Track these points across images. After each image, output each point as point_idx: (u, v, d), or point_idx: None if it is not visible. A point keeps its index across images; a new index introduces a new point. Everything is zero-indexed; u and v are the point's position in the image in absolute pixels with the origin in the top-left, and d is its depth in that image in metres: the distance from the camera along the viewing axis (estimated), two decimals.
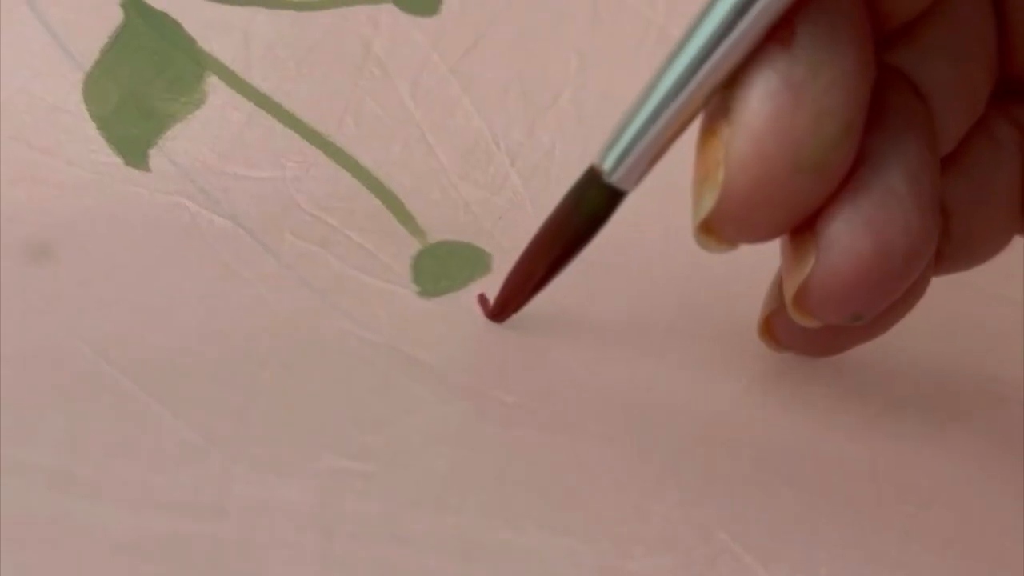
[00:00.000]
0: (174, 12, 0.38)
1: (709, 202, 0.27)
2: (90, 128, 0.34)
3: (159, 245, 0.32)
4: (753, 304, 0.31)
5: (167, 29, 0.37)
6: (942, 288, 0.31)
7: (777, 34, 0.25)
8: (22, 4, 0.37)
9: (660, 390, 0.31)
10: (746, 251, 0.29)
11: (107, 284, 0.31)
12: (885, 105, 0.27)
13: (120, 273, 0.31)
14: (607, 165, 0.28)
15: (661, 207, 0.35)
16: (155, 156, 0.34)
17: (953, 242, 0.30)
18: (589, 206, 0.29)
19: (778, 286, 0.31)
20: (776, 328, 0.32)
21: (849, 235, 0.26)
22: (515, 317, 0.32)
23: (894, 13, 0.28)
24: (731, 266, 0.33)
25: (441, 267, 0.33)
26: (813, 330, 0.30)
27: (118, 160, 0.34)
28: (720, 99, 0.26)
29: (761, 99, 0.25)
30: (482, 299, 0.32)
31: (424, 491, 0.27)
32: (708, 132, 0.27)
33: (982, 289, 0.34)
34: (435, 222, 0.35)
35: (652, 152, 0.28)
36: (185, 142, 0.35)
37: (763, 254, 0.31)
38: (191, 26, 0.37)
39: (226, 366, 0.29)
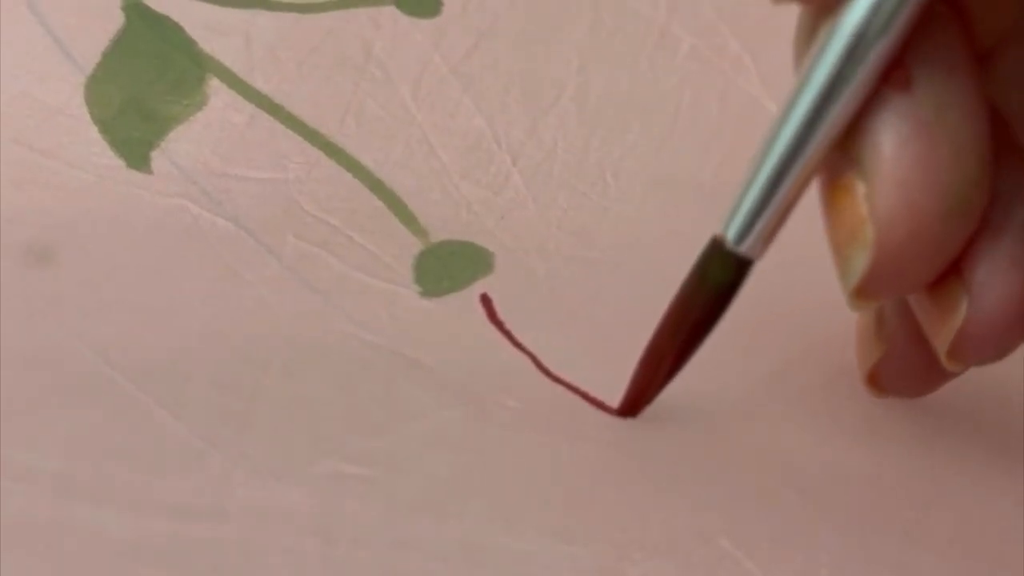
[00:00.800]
0: (175, 15, 0.38)
1: (862, 263, 0.26)
2: (92, 131, 0.34)
3: (161, 247, 0.32)
4: (756, 305, 0.31)
5: (168, 32, 0.37)
6: None
7: (892, 78, 0.25)
8: (23, 7, 0.37)
9: (661, 394, 0.31)
10: None
11: (109, 286, 0.31)
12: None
13: (122, 275, 0.31)
14: (731, 235, 0.27)
15: (664, 208, 0.35)
16: (157, 158, 0.34)
17: None
18: (716, 279, 0.28)
19: (870, 341, 0.31)
20: (882, 378, 0.31)
21: (1000, 276, 0.26)
22: (515, 320, 0.32)
23: (982, 37, 0.27)
24: None
25: (443, 267, 0.33)
26: (919, 373, 0.30)
27: (120, 162, 0.34)
28: (839, 153, 0.26)
29: (897, 146, 0.25)
30: (484, 299, 0.32)
31: (425, 496, 0.27)
32: (837, 189, 0.26)
33: None
34: (437, 222, 0.35)
35: (777, 216, 0.27)
36: (187, 144, 0.35)
37: (770, 256, 0.31)
38: (192, 28, 0.37)
39: (228, 369, 0.29)
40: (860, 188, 0.25)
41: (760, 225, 0.27)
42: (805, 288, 0.32)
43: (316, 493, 0.27)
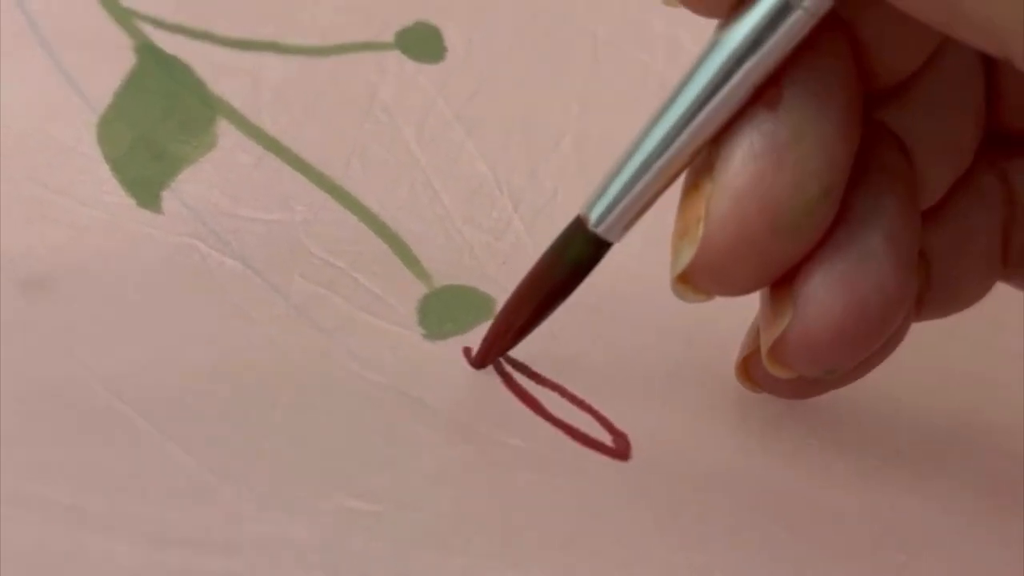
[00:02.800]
0: (186, 56, 0.38)
1: (687, 256, 0.27)
2: (103, 169, 0.35)
3: (170, 286, 0.32)
4: None
5: (178, 73, 0.38)
6: (938, 339, 0.32)
7: (764, 95, 0.26)
8: (37, 47, 0.37)
9: (661, 437, 0.31)
10: (749, 301, 0.30)
11: (119, 323, 0.31)
12: (868, 162, 0.27)
13: (132, 313, 0.31)
14: (593, 216, 0.29)
15: (662, 254, 0.36)
16: (167, 198, 0.34)
17: (934, 289, 0.30)
18: (574, 255, 0.30)
19: (756, 331, 0.31)
20: (752, 370, 0.32)
21: (824, 293, 0.27)
22: (519, 361, 0.33)
23: (884, 73, 0.28)
24: (733, 315, 0.34)
25: (446, 311, 0.34)
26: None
27: (131, 201, 0.34)
28: (705, 156, 0.27)
29: (744, 159, 0.26)
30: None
31: (429, 531, 0.27)
32: (692, 187, 0.27)
33: (978, 339, 0.35)
34: (440, 266, 0.35)
35: (638, 205, 0.28)
36: (196, 184, 0.35)
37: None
38: (202, 70, 0.38)
39: (237, 406, 0.30)
40: (707, 189, 0.26)
41: (619, 211, 0.28)
42: None
43: (324, 528, 0.27)
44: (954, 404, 0.34)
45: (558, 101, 0.40)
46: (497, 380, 0.32)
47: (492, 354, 0.32)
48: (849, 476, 0.32)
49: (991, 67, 0.29)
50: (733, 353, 0.32)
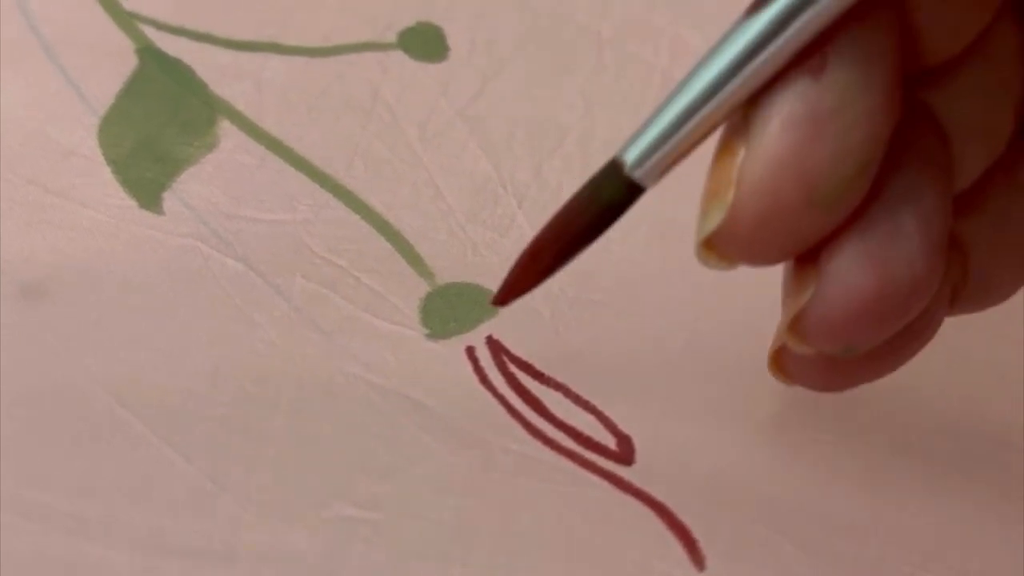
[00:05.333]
0: (188, 58, 0.38)
1: (715, 221, 0.26)
2: (105, 172, 0.35)
3: (172, 288, 0.32)
4: (759, 349, 0.31)
5: (180, 74, 0.38)
6: (947, 329, 0.31)
7: (808, 60, 0.25)
8: (38, 50, 0.37)
9: (664, 440, 0.31)
10: (755, 297, 0.30)
11: (121, 327, 0.31)
12: (906, 143, 0.27)
13: (134, 316, 0.31)
14: (629, 159, 0.28)
15: (665, 249, 0.36)
16: (168, 199, 0.34)
17: (970, 281, 0.30)
18: (606, 197, 0.29)
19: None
20: (786, 361, 0.31)
21: (850, 269, 0.26)
22: (523, 359, 0.33)
23: (929, 53, 0.27)
24: (737, 309, 0.34)
25: (450, 309, 0.34)
26: (821, 365, 0.30)
27: (132, 203, 0.34)
28: (740, 117, 0.26)
29: (782, 126, 0.25)
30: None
31: (430, 541, 0.27)
32: (725, 148, 0.26)
33: (987, 329, 0.34)
34: (443, 264, 0.35)
35: (675, 153, 0.27)
36: (198, 185, 0.35)
37: (772, 299, 0.32)
38: (204, 71, 0.38)
39: (238, 411, 0.30)
40: (741, 153, 0.25)
41: (657, 157, 0.27)
42: None
43: (323, 537, 0.27)
44: (960, 393, 0.34)
45: (562, 99, 0.40)
46: (501, 380, 0.32)
47: (513, 294, 0.31)
48: (856, 478, 0.32)
49: None
50: (736, 348, 0.31)
